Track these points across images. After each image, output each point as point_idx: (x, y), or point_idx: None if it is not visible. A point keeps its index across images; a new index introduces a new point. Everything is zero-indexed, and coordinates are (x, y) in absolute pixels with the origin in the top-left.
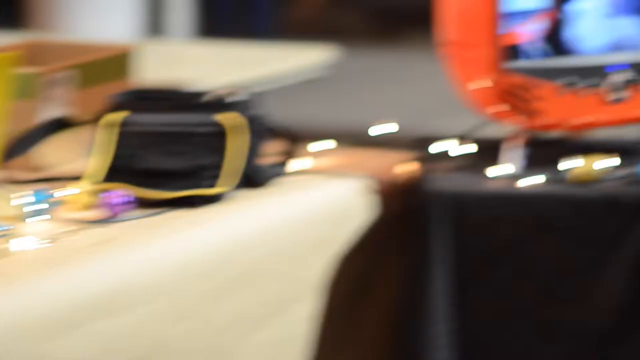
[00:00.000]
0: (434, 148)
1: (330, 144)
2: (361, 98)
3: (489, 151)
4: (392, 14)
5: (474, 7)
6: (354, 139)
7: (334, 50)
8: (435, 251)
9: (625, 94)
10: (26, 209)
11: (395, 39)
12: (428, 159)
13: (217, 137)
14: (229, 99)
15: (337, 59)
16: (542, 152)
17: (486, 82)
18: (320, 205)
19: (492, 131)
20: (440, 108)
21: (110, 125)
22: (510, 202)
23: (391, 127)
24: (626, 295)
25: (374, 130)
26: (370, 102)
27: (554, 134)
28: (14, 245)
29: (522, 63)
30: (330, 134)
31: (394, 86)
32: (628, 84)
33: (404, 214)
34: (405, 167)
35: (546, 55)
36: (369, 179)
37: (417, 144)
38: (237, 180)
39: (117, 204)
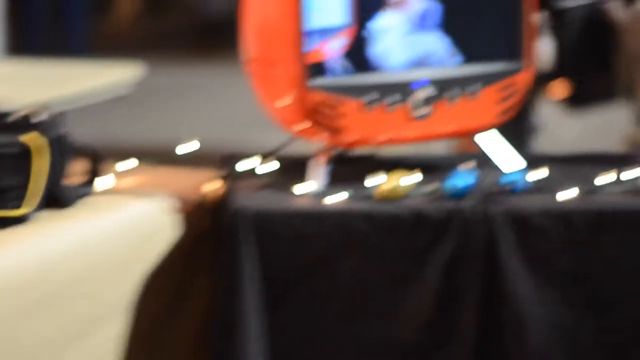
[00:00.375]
0: (240, 165)
1: (135, 162)
2: (169, 115)
3: (296, 168)
4: (207, 27)
5: (276, 24)
6: (160, 157)
7: (141, 66)
8: (244, 270)
9: (428, 110)
10: None
11: (209, 53)
12: (234, 177)
13: (22, 158)
14: (34, 119)
15: (144, 75)
16: (348, 169)
17: (290, 100)
18: (125, 225)
19: (299, 148)
20: (248, 125)
21: None
22: (316, 219)
23: (197, 145)
24: (432, 311)
25: (180, 149)
26: (179, 119)
27: (360, 150)
28: None
29: (326, 80)
30: (136, 152)
31: (205, 102)
32: (431, 100)
33: (211, 232)
34: (211, 185)
35: (350, 72)
36: (175, 198)
37: (223, 161)
38: (41, 200)
39: None
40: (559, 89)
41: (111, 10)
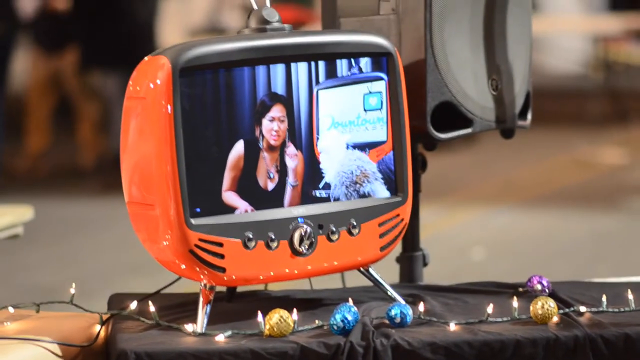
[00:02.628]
0: (127, 306)
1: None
2: (61, 252)
3: (181, 308)
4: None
5: (152, 166)
6: (44, 299)
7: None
8: None
9: (310, 247)
10: None
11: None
12: (121, 318)
13: None
14: None
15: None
16: (234, 306)
17: (169, 241)
18: None
19: (185, 287)
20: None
21: None
22: (203, 358)
23: (83, 286)
24: None
25: (67, 290)
26: (71, 257)
27: (247, 287)
28: None
29: (205, 220)
30: (20, 294)
31: (99, 239)
32: (311, 237)
33: None
34: (97, 327)
35: (230, 211)
36: (60, 342)
37: (110, 302)
38: None
39: None
40: None
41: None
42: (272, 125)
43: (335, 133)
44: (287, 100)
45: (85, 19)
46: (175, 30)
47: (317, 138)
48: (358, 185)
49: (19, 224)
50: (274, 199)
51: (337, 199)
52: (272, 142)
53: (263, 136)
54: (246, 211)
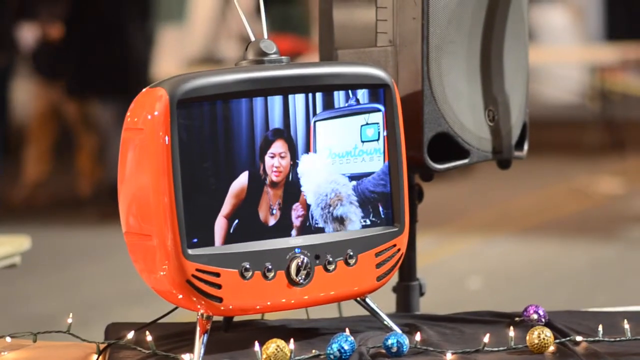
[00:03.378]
0: (124, 335)
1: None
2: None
3: (178, 338)
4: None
5: (149, 196)
6: (42, 329)
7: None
8: None
9: (307, 277)
10: None
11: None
12: (118, 347)
13: None
14: None
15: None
16: (231, 336)
17: (167, 270)
18: None
19: (182, 317)
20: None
21: None
22: None
23: (81, 315)
24: None
25: (64, 320)
26: (67, 286)
27: (243, 317)
28: None
29: (202, 251)
30: (16, 325)
31: (97, 269)
32: (308, 267)
33: None
34: (94, 357)
35: (226, 241)
36: None
37: (107, 332)
38: None
39: None
40: None
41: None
42: (273, 162)
43: (328, 162)
44: (287, 135)
45: (81, 48)
46: (172, 61)
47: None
48: (332, 208)
49: (16, 254)
50: (274, 234)
51: (334, 230)
52: (274, 178)
53: (266, 173)
54: (243, 242)
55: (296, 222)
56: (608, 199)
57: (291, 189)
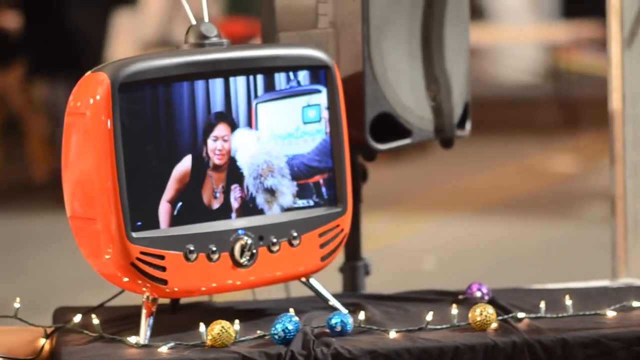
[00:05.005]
0: (71, 319)
1: None
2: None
3: (124, 320)
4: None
5: (93, 180)
6: None
7: None
8: None
9: (251, 258)
10: None
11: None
12: (65, 331)
13: None
14: None
15: None
16: (177, 317)
17: (111, 254)
18: None
19: (129, 300)
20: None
21: None
22: None
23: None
24: None
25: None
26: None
27: (191, 299)
28: None
29: (146, 233)
30: None
31: (44, 253)
32: (252, 248)
33: None
34: (41, 341)
35: (170, 223)
36: (4, 356)
37: (55, 315)
38: None
39: None
40: None
41: None
42: (216, 145)
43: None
44: (229, 117)
45: (32, 32)
46: (127, 44)
47: None
48: (262, 178)
49: None
50: (217, 216)
51: (277, 211)
52: (217, 161)
53: (209, 156)
54: (187, 224)
55: (235, 203)
56: (562, 177)
57: (232, 171)
